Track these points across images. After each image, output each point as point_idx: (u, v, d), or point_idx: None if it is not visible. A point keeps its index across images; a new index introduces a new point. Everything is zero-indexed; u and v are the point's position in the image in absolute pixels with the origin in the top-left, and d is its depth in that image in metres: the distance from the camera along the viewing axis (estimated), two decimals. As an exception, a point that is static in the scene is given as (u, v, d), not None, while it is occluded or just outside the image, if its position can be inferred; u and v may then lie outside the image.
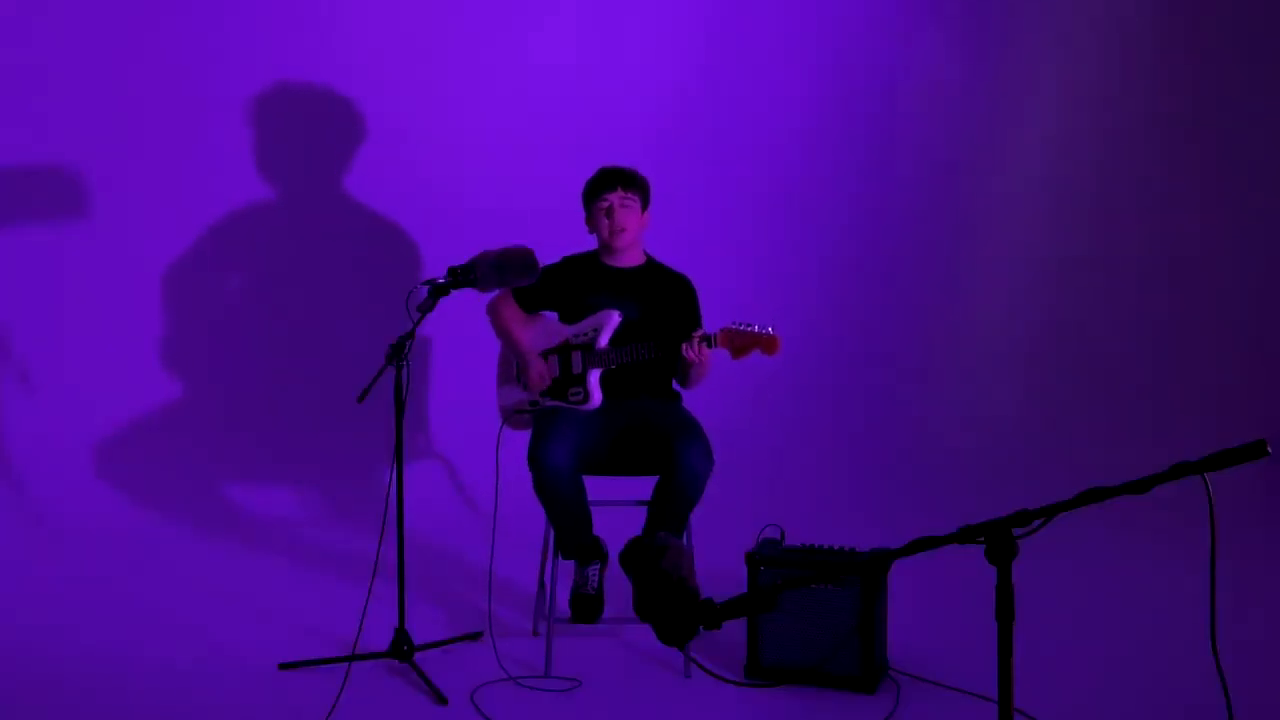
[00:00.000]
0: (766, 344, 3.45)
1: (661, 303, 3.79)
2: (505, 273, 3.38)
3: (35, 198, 4.89)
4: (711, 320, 3.86)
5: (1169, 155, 5.87)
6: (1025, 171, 5.87)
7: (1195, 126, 5.88)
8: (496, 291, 3.69)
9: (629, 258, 3.82)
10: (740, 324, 3.47)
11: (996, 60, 5.81)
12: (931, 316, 5.87)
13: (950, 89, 5.81)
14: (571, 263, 3.84)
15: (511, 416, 3.84)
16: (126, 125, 4.95)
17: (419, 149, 5.27)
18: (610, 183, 3.75)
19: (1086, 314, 5.90)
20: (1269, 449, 1.61)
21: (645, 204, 3.81)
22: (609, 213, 3.73)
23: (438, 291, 3.32)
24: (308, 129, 5.18)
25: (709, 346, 3.49)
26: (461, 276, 3.34)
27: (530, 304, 3.83)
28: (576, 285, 3.79)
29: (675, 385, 3.88)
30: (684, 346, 3.49)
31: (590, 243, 3.89)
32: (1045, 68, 5.82)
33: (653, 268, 3.86)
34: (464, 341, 4.91)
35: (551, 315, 3.87)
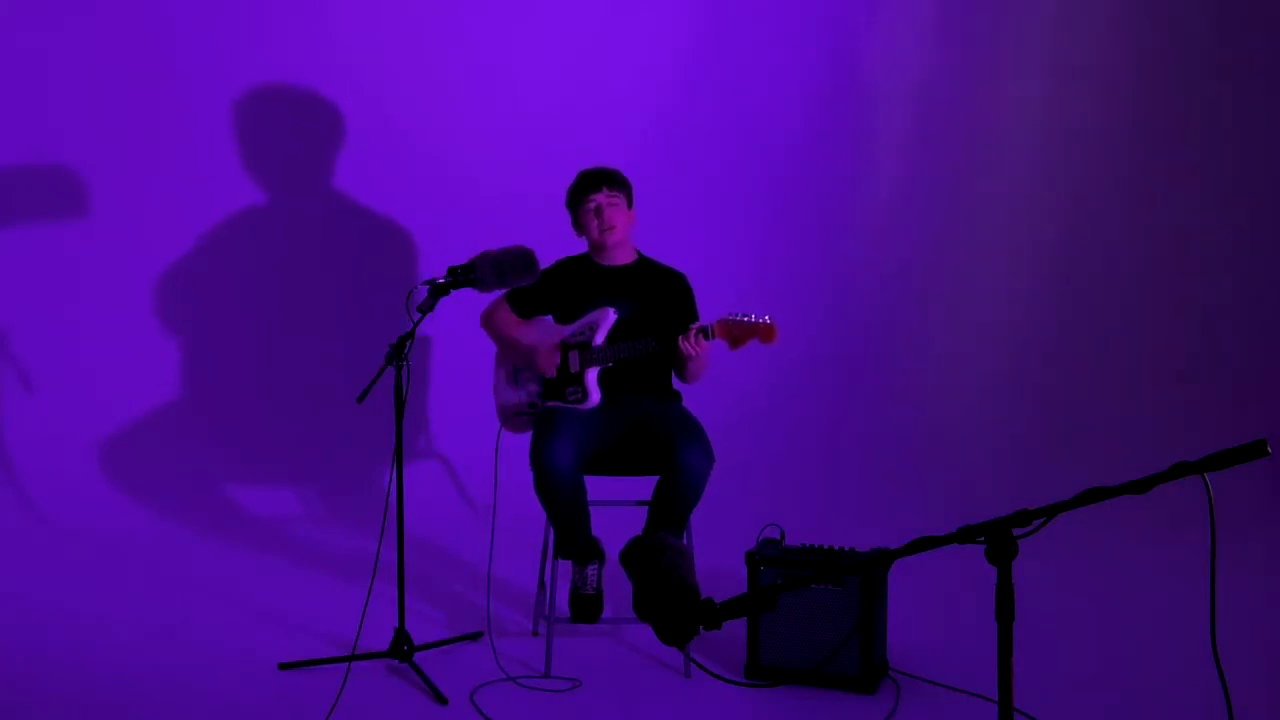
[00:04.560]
0: (764, 332, 3.45)
1: (657, 299, 3.79)
2: (505, 272, 3.38)
3: (35, 198, 4.89)
4: (709, 316, 3.86)
5: (1168, 152, 5.86)
6: (1026, 169, 5.86)
7: (1194, 123, 5.86)
8: (494, 294, 3.69)
9: (621, 256, 3.83)
10: (737, 314, 3.48)
11: (991, 56, 5.80)
12: (931, 315, 5.87)
13: (945, 87, 5.80)
14: (565, 265, 3.85)
15: (510, 419, 3.84)
16: (126, 125, 4.96)
17: (419, 150, 5.27)
18: (594, 183, 3.76)
19: (1086, 314, 5.89)
20: (1269, 449, 1.61)
21: (630, 201, 3.82)
22: (597, 212, 3.74)
23: (438, 291, 3.32)
24: (308, 130, 5.18)
25: (706, 338, 3.50)
26: (461, 276, 3.34)
27: (526, 309, 3.83)
28: (572, 287, 3.79)
29: (675, 384, 3.88)
30: (680, 340, 3.49)
31: (579, 247, 3.90)
32: (1041, 63, 5.81)
33: (645, 265, 3.86)
34: (464, 341, 4.91)
35: (547, 318, 3.87)
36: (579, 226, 3.83)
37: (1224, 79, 5.83)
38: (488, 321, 3.90)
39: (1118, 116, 5.86)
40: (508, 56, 5.37)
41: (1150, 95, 5.84)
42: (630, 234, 3.84)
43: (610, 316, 3.67)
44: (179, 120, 5.02)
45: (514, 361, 3.86)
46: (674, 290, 3.83)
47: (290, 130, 5.16)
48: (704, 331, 3.49)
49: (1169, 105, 5.85)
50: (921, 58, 5.78)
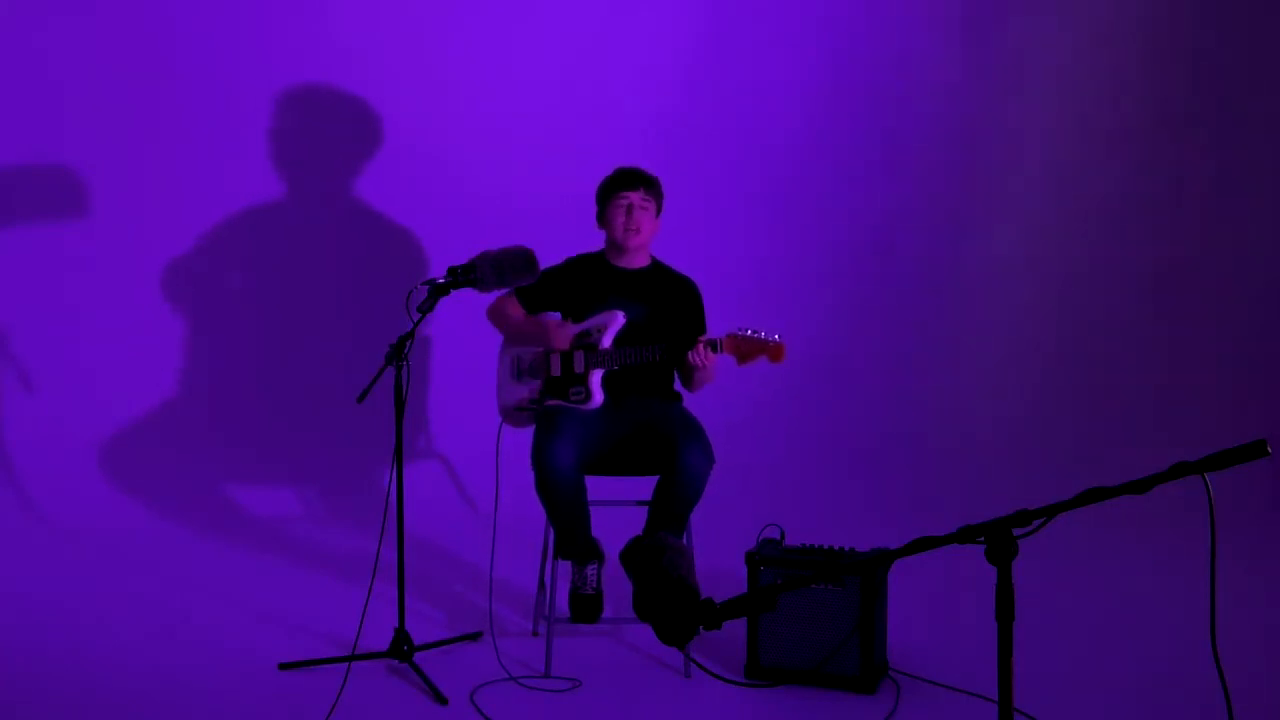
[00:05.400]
0: (773, 351, 3.46)
1: (668, 305, 3.79)
2: (505, 272, 3.38)
3: (35, 198, 4.89)
4: (715, 322, 3.86)
5: (1169, 155, 5.87)
6: (1026, 172, 5.86)
7: (1196, 126, 5.87)
8: (496, 293, 3.68)
9: (637, 259, 3.82)
10: (746, 330, 3.47)
11: (996, 56, 5.80)
12: (932, 316, 5.87)
13: (950, 87, 5.80)
14: (577, 263, 3.84)
15: (512, 414, 3.83)
16: (126, 125, 4.96)
17: (419, 149, 5.27)
18: (633, 182, 3.75)
19: (1087, 314, 5.90)
20: (1269, 449, 1.61)
21: (659, 211, 3.81)
22: (628, 211, 3.73)
23: (438, 291, 3.32)
24: (306, 129, 5.18)
25: (714, 351, 3.49)
26: (461, 276, 3.34)
27: (534, 305, 3.82)
28: (584, 285, 3.79)
29: (677, 386, 3.88)
30: (689, 353, 3.49)
31: (593, 242, 3.89)
32: (1046, 64, 5.81)
33: (659, 270, 3.86)
34: (464, 341, 4.91)
35: (554, 316, 3.86)
36: (603, 219, 3.80)
37: (1226, 82, 5.83)
38: (495, 314, 3.88)
39: (1120, 117, 5.86)
40: (508, 56, 5.37)
41: (1152, 96, 5.84)
42: (650, 242, 3.83)
43: (619, 320, 3.66)
44: (179, 120, 5.02)
45: (525, 344, 3.82)
46: (684, 297, 3.83)
47: (291, 130, 5.16)
48: (712, 344, 3.49)
49: (1170, 106, 5.85)
50: (922, 57, 5.78)
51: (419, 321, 3.30)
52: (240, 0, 5.05)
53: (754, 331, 3.47)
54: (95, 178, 4.93)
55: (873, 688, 3.30)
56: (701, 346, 3.48)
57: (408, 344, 3.29)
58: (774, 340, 3.46)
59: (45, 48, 4.86)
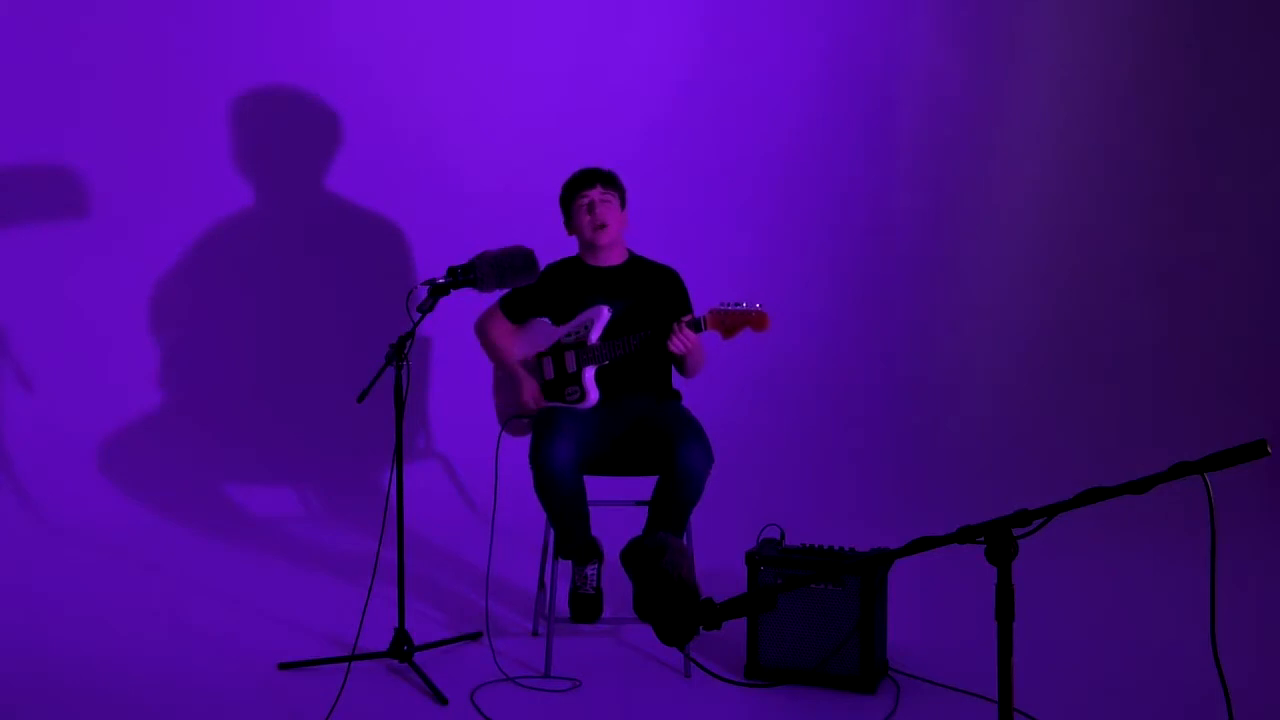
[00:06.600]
0: (756, 321, 3.48)
1: (651, 296, 3.79)
2: (505, 272, 3.38)
3: (35, 198, 4.89)
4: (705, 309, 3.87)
5: (1169, 155, 5.86)
6: (1026, 170, 5.86)
7: (1196, 127, 5.87)
8: (493, 296, 3.69)
9: (613, 256, 3.82)
10: (728, 304, 3.49)
11: (995, 55, 5.80)
12: (931, 316, 5.87)
13: (949, 85, 5.80)
14: (557, 268, 3.84)
15: (510, 423, 3.84)
16: (126, 125, 4.96)
17: (419, 150, 5.27)
18: (589, 180, 3.76)
19: (1087, 314, 5.89)
20: (1269, 449, 1.61)
21: (623, 203, 3.81)
22: (590, 208, 3.73)
23: (438, 291, 3.32)
24: (308, 130, 5.18)
25: (696, 330, 3.51)
26: (461, 276, 3.34)
27: (519, 314, 3.83)
28: (566, 289, 3.79)
29: (676, 383, 3.88)
30: (668, 343, 3.50)
31: (568, 249, 3.89)
32: (1045, 62, 5.81)
33: (637, 263, 3.86)
34: (464, 341, 4.90)
35: (543, 321, 3.87)
36: (570, 225, 3.82)
37: (1227, 83, 5.83)
38: (481, 331, 3.90)
39: (1119, 116, 5.85)
40: (507, 56, 5.37)
41: (1152, 97, 5.84)
42: (622, 236, 3.83)
43: (605, 314, 3.68)
44: (179, 120, 5.01)
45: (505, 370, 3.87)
46: (667, 286, 3.83)
47: (291, 130, 5.16)
48: (694, 323, 3.50)
49: (1171, 107, 5.85)
50: (925, 55, 5.78)
51: (419, 321, 3.30)
52: (241, 1, 5.05)
53: (735, 304, 3.49)
54: (95, 178, 4.93)
55: (873, 688, 3.30)
56: (680, 329, 3.49)
57: (408, 344, 3.30)
58: (755, 309, 3.48)
59: (45, 48, 4.85)
